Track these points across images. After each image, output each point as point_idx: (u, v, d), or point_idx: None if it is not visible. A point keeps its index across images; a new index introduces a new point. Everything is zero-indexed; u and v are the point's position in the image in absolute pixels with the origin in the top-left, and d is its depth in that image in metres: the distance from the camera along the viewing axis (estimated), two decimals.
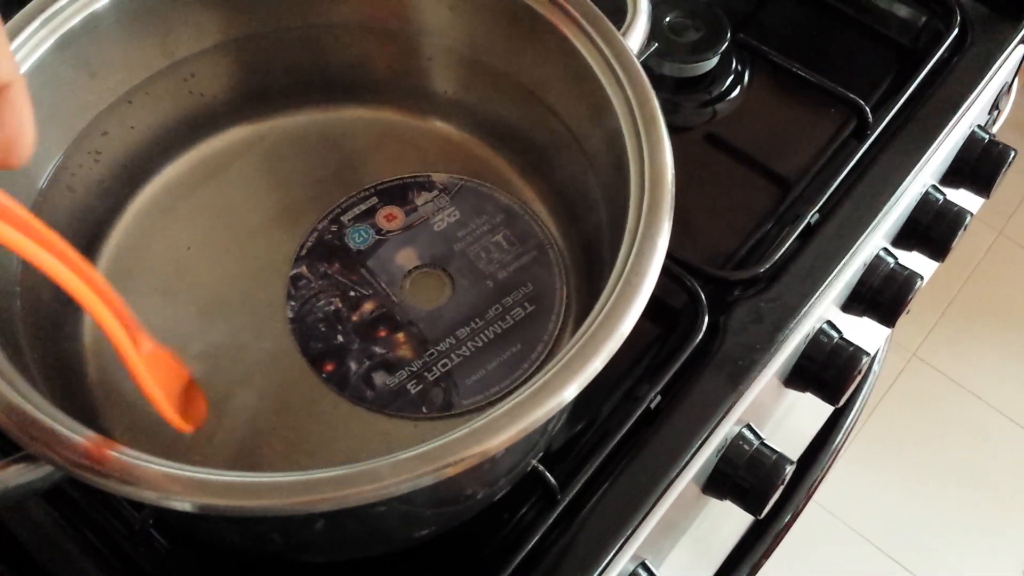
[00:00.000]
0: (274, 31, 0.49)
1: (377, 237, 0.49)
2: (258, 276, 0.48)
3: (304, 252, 0.48)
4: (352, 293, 0.47)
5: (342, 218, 0.49)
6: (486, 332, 0.46)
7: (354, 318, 0.47)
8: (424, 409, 0.44)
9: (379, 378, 0.45)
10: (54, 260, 0.33)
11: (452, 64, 0.50)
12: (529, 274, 0.48)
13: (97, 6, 0.44)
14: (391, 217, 0.49)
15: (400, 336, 0.46)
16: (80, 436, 0.34)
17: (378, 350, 0.46)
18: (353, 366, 0.45)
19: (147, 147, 0.49)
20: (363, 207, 0.50)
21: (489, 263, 0.48)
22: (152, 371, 0.38)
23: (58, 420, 0.34)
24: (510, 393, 0.43)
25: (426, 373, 0.45)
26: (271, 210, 0.50)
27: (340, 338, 0.46)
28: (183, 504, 0.33)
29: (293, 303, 0.47)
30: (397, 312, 0.47)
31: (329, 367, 0.45)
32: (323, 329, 0.46)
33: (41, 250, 0.32)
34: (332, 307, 0.47)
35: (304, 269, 0.48)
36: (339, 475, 0.33)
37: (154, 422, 0.43)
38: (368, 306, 0.47)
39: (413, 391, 0.45)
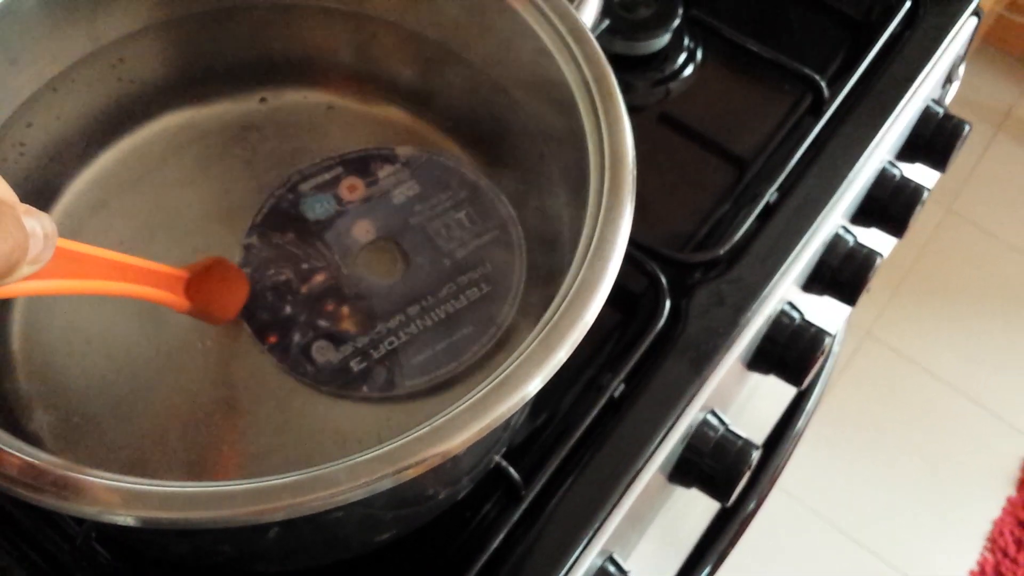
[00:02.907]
0: (210, 11, 0.47)
1: (337, 208, 0.47)
2: None
3: (259, 220, 0.46)
4: (304, 265, 0.45)
5: (301, 187, 0.47)
6: (437, 311, 0.44)
7: (303, 290, 0.45)
8: (365, 388, 0.43)
9: (322, 353, 0.43)
10: (65, 283, 0.33)
11: (403, 45, 0.48)
12: (488, 253, 0.46)
13: None
14: (353, 188, 0.47)
15: (347, 310, 0.44)
16: (10, 448, 0.31)
17: (324, 324, 0.44)
18: (296, 337, 0.44)
19: (75, 138, 0.47)
20: (327, 176, 0.48)
21: (449, 240, 0.46)
22: (197, 297, 0.40)
23: None
24: (455, 378, 0.43)
25: (371, 351, 0.43)
26: (211, 202, 0.47)
27: (288, 309, 0.44)
28: (125, 519, 0.31)
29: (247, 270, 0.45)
30: (347, 286, 0.45)
31: (273, 338, 0.44)
32: (270, 299, 0.45)
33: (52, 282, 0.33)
34: (282, 277, 0.45)
35: (255, 239, 0.46)
36: (292, 481, 0.31)
37: (95, 430, 0.41)
38: (319, 278, 0.45)
39: (356, 368, 0.43)
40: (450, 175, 0.48)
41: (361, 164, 0.48)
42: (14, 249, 0.28)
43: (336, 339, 0.44)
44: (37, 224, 0.29)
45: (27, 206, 0.29)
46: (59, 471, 0.31)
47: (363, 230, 0.46)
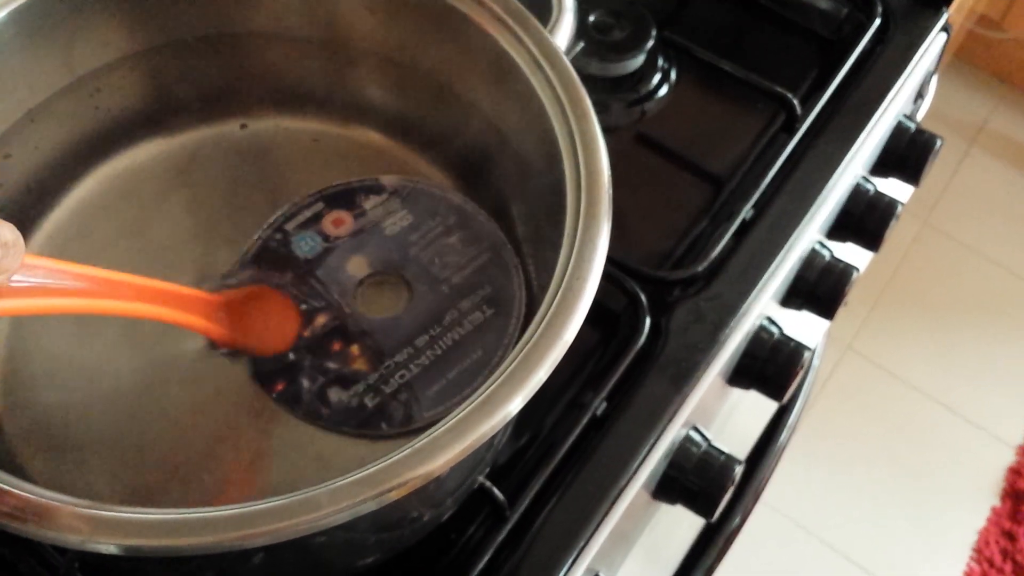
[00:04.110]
0: (185, 42, 0.47)
1: (325, 244, 0.46)
2: None
3: (249, 260, 0.46)
4: (303, 306, 0.45)
5: (286, 226, 0.47)
6: (444, 339, 0.44)
7: (305, 333, 0.44)
8: (384, 426, 0.42)
9: (334, 394, 0.43)
10: (96, 301, 0.32)
11: (378, 70, 0.48)
12: (486, 276, 0.46)
13: None
14: (339, 222, 0.47)
15: (353, 349, 0.44)
16: None
17: (331, 365, 0.43)
18: (306, 383, 0.43)
19: (54, 168, 0.47)
20: (308, 213, 0.47)
21: (444, 267, 0.46)
22: (234, 326, 0.38)
23: None
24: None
25: (383, 386, 0.43)
26: (191, 229, 0.47)
27: (291, 355, 0.44)
28: (108, 547, 0.31)
29: None
30: (350, 323, 0.44)
31: (280, 386, 0.43)
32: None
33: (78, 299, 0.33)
34: None
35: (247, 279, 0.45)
36: (273, 507, 0.31)
37: (78, 459, 0.41)
38: (319, 319, 0.44)
39: (370, 405, 0.42)
40: (437, 202, 0.48)
41: (345, 197, 0.48)
42: None
43: (345, 380, 0.43)
44: None
45: None
46: (42, 500, 0.31)
47: (359, 264, 0.46)
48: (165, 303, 0.36)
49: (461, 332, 0.44)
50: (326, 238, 0.47)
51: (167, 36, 0.47)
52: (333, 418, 0.42)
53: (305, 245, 0.46)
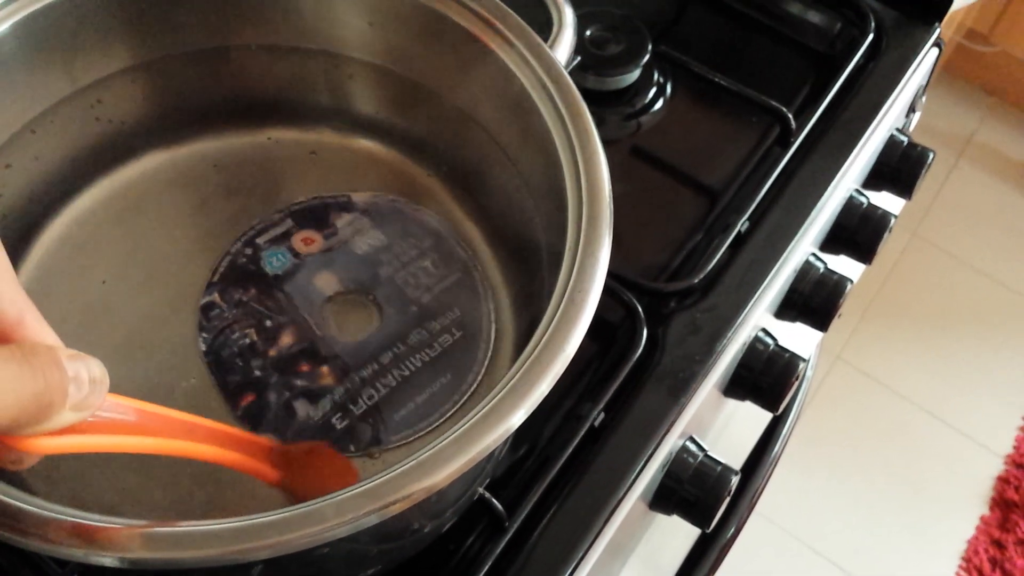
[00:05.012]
0: (186, 54, 0.47)
1: (295, 261, 0.47)
2: (178, 309, 0.46)
3: (216, 278, 0.46)
4: (268, 322, 0.45)
5: (257, 240, 0.47)
6: (412, 360, 0.44)
7: (271, 352, 0.44)
8: (352, 448, 0.42)
9: (301, 410, 0.43)
10: (165, 442, 0.33)
11: (376, 82, 0.49)
12: (454, 298, 0.46)
13: None
14: (308, 240, 0.47)
15: (318, 365, 0.44)
16: None
17: (297, 381, 0.44)
18: (272, 400, 0.43)
19: (54, 178, 0.47)
20: (279, 230, 0.47)
21: (416, 288, 0.46)
22: (290, 475, 0.38)
23: None
24: (439, 427, 0.43)
25: (351, 405, 0.43)
26: (189, 239, 0.48)
27: (258, 372, 0.44)
28: (110, 560, 0.31)
29: (205, 335, 0.45)
30: (318, 343, 0.45)
31: (246, 401, 0.43)
32: (239, 363, 0.44)
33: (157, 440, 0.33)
34: (247, 339, 0.45)
35: (217, 297, 0.45)
36: (277, 519, 0.31)
37: (77, 471, 0.41)
38: (286, 336, 0.45)
39: (339, 426, 0.43)
40: (407, 221, 0.48)
41: (316, 214, 0.48)
42: (47, 390, 0.26)
43: (312, 395, 0.43)
44: (83, 367, 0.28)
45: (73, 351, 0.28)
46: (43, 512, 0.31)
47: (327, 282, 0.46)
48: (232, 447, 0.36)
49: (431, 354, 0.45)
50: (296, 255, 0.47)
51: (168, 49, 0.47)
52: (300, 436, 0.42)
53: (276, 261, 0.46)
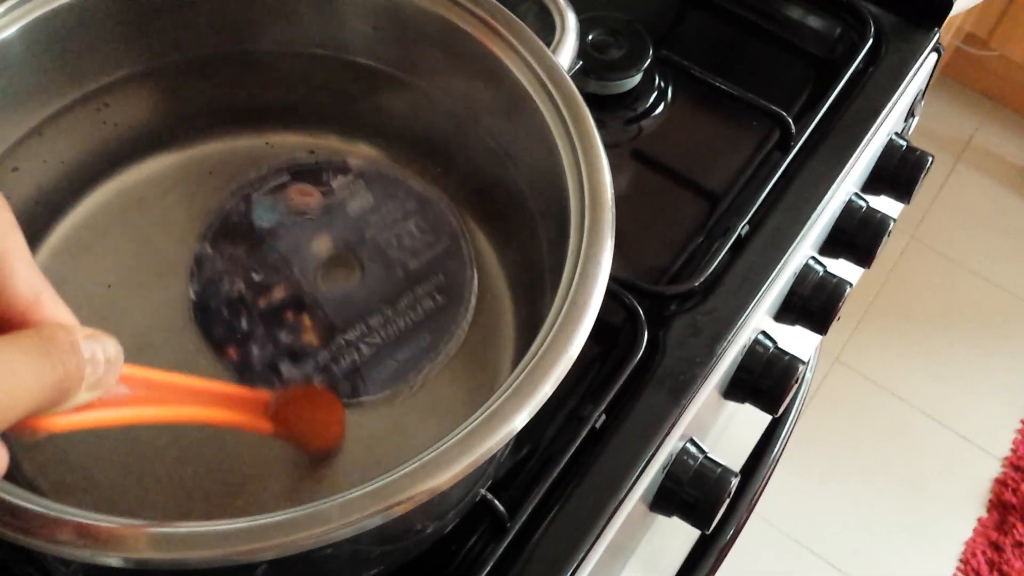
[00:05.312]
0: (193, 59, 0.48)
1: (288, 217, 0.47)
2: (185, 313, 0.46)
3: (209, 232, 0.46)
4: (257, 276, 0.45)
5: (252, 195, 0.47)
6: (396, 323, 0.45)
7: (260, 303, 0.45)
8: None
9: (285, 368, 0.44)
10: (155, 409, 0.34)
11: (382, 88, 0.49)
12: (440, 265, 0.47)
13: (3, 35, 0.42)
14: (304, 194, 0.47)
15: (306, 321, 0.45)
16: None
17: (283, 337, 0.44)
18: (256, 352, 0.44)
19: (61, 182, 0.47)
20: (274, 183, 0.48)
21: (401, 251, 0.47)
22: (286, 426, 0.39)
23: None
24: (421, 386, 0.44)
25: (333, 365, 0.44)
26: (195, 242, 0.48)
27: (244, 324, 0.44)
28: (115, 560, 0.31)
29: (196, 286, 0.45)
30: (306, 296, 0.45)
31: (231, 353, 0.44)
32: (226, 313, 0.45)
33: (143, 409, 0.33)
34: (237, 291, 0.45)
35: (208, 248, 0.46)
36: (282, 520, 0.31)
37: (81, 469, 0.41)
38: (276, 290, 0.45)
39: (319, 381, 0.44)
40: (399, 187, 0.48)
41: (312, 173, 0.48)
42: (65, 378, 0.27)
43: (296, 353, 0.44)
44: (99, 348, 0.28)
45: (90, 330, 0.28)
46: (49, 512, 0.31)
47: (319, 240, 0.47)
48: (234, 407, 0.37)
49: (413, 318, 0.45)
50: (290, 211, 0.47)
51: (175, 53, 0.47)
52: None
53: (269, 217, 0.47)
